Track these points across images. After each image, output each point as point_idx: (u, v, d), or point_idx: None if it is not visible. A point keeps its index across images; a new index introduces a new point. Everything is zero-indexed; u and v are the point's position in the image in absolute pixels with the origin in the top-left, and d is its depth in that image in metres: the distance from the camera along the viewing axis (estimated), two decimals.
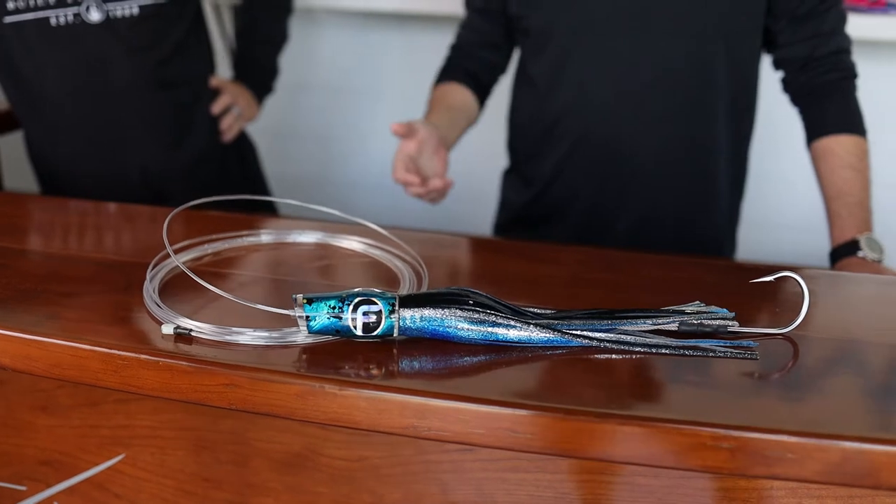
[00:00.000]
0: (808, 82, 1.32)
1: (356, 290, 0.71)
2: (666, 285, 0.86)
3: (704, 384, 0.69)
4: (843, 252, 1.23)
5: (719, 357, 0.72)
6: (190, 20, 1.52)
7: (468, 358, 0.71)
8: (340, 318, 0.70)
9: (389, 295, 0.71)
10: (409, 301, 0.70)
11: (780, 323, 0.77)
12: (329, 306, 0.70)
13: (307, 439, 0.84)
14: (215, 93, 1.58)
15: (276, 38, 1.72)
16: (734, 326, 0.75)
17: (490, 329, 0.71)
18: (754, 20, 1.31)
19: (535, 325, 0.71)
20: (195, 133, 1.55)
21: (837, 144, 1.28)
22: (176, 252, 0.85)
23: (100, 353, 0.70)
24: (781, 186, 2.06)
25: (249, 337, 0.72)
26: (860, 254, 1.21)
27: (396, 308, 0.70)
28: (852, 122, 1.28)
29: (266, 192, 1.72)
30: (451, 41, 1.50)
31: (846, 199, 1.26)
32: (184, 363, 0.69)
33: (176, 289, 0.82)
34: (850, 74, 1.30)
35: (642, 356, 0.72)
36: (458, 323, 0.71)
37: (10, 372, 0.85)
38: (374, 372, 0.68)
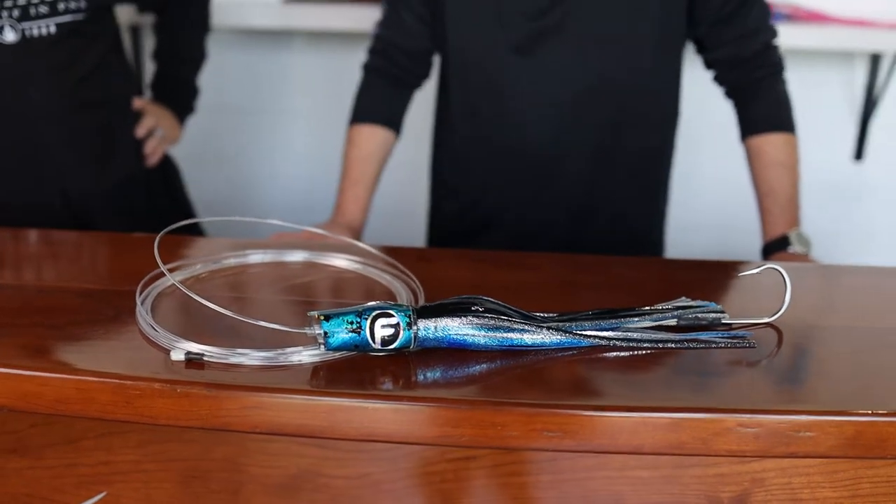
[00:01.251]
0: (737, 81, 1.39)
1: (372, 304, 0.70)
2: (645, 285, 0.89)
3: (712, 374, 0.72)
4: (775, 247, 1.31)
5: (720, 348, 0.75)
6: (109, 39, 1.48)
7: (486, 364, 0.72)
8: (359, 333, 0.69)
9: (406, 307, 0.71)
10: (426, 312, 0.71)
11: (761, 313, 0.82)
12: (347, 322, 0.69)
13: (305, 460, 0.83)
14: (137, 115, 1.54)
15: (196, 57, 1.69)
16: (726, 318, 0.79)
17: (505, 335, 0.72)
18: (679, 29, 1.37)
19: (548, 328, 0.73)
20: (119, 156, 1.50)
21: (767, 143, 1.36)
22: (153, 278, 0.82)
23: (110, 385, 0.67)
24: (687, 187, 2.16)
25: (261, 358, 0.70)
26: (790, 249, 1.28)
27: (414, 320, 0.70)
28: (781, 120, 1.36)
29: (193, 214, 1.68)
30: (369, 45, 1.47)
31: (777, 196, 1.34)
32: (202, 389, 0.67)
33: (166, 313, 0.79)
34: (777, 69, 1.37)
35: (649, 351, 0.74)
36: (474, 331, 0.71)
37: None
38: (397, 384, 0.68)
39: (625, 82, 1.37)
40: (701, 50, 1.41)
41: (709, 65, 1.42)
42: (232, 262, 0.90)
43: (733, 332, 0.77)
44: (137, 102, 1.54)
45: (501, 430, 0.66)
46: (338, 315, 0.70)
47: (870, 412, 0.65)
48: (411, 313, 0.70)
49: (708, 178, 2.21)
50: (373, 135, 1.42)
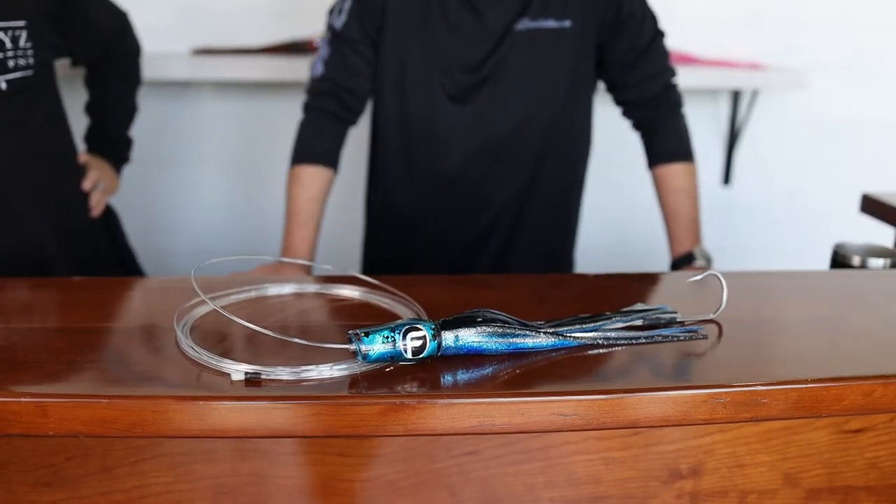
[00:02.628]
0: (642, 117, 1.59)
1: (403, 320, 0.83)
2: (604, 295, 1.05)
3: (678, 360, 0.89)
4: (682, 262, 1.51)
5: (680, 340, 0.92)
6: (54, 94, 1.53)
7: (498, 365, 0.85)
8: (394, 346, 0.81)
9: (431, 322, 0.83)
10: (447, 325, 0.84)
11: (701, 312, 0.99)
12: (383, 336, 0.81)
13: (326, 468, 0.93)
14: (80, 167, 1.59)
15: (129, 109, 1.75)
16: (679, 317, 0.96)
17: (512, 340, 0.86)
18: (589, 74, 1.56)
19: (544, 332, 0.87)
20: (68, 208, 1.55)
21: (669, 172, 1.56)
22: (183, 312, 0.91)
23: (186, 406, 0.76)
24: None
25: (308, 372, 0.81)
26: (695, 263, 1.49)
27: (438, 332, 0.83)
28: (681, 151, 1.56)
29: (135, 261, 1.73)
30: (311, 87, 1.57)
31: (680, 219, 1.54)
32: (269, 402, 0.77)
33: (201, 340, 0.88)
34: (677, 106, 1.58)
35: (625, 346, 0.90)
36: (486, 338, 0.85)
37: (15, 448, 0.86)
38: (432, 386, 0.81)
39: (545, 123, 1.54)
40: (610, 90, 1.61)
41: (618, 103, 1.61)
42: (248, 295, 0.99)
43: (687, 328, 0.94)
44: (82, 156, 1.59)
45: (527, 416, 0.79)
46: (375, 331, 0.81)
47: (808, 379, 0.83)
48: (436, 326, 0.83)
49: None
50: (319, 175, 1.53)
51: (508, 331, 0.86)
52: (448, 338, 0.83)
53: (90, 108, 1.72)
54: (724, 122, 2.51)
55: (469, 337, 0.84)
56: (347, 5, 1.53)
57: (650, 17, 1.55)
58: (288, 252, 1.50)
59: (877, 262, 1.20)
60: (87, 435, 0.77)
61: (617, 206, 2.39)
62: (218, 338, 0.90)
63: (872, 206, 1.61)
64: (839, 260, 1.22)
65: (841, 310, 1.07)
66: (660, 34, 1.57)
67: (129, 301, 1.03)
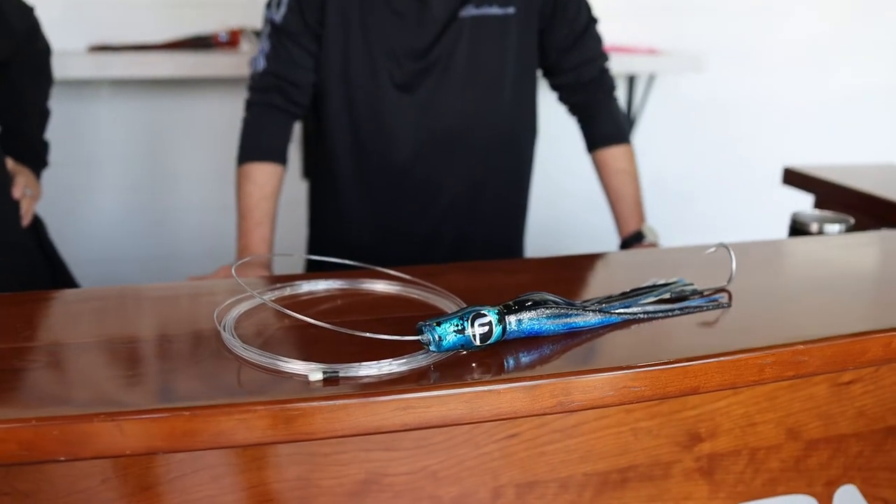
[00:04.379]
0: (578, 103, 1.64)
1: (469, 307, 0.83)
2: (613, 271, 1.09)
3: (712, 328, 0.94)
4: (631, 241, 1.58)
5: (708, 310, 0.97)
6: None
7: (554, 345, 0.87)
8: (463, 333, 0.82)
9: (494, 308, 0.84)
10: (510, 310, 0.85)
11: (708, 281, 1.05)
12: (454, 325, 0.81)
13: (370, 465, 0.92)
14: (7, 176, 1.48)
15: (44, 111, 1.65)
16: (697, 288, 1.01)
17: (567, 320, 0.88)
18: (533, 60, 1.60)
19: (592, 311, 0.90)
20: (3, 220, 1.44)
21: (610, 155, 1.62)
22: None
23: (270, 411, 0.73)
24: None
25: (383, 367, 0.80)
26: (645, 240, 1.56)
27: (503, 317, 0.84)
28: (618, 134, 1.63)
29: (67, 270, 1.63)
30: (254, 83, 1.53)
31: (624, 199, 1.61)
32: (355, 400, 0.75)
33: (247, 342, 0.85)
34: (611, 90, 1.65)
35: (663, 319, 0.94)
36: (544, 320, 0.87)
37: (45, 476, 0.81)
38: (503, 370, 0.82)
39: (493, 110, 1.57)
40: (547, 75, 1.65)
41: (554, 87, 1.66)
42: (282, 293, 0.97)
43: (711, 298, 0.99)
44: (9, 164, 1.48)
45: (601, 391, 0.82)
46: (446, 320, 0.81)
47: (839, 335, 0.90)
48: (500, 312, 0.84)
49: None
50: (270, 172, 1.49)
51: (562, 311, 0.88)
52: (511, 322, 0.84)
53: (2, 112, 1.60)
54: (621, 106, 2.62)
55: (529, 320, 0.86)
56: None
57: (584, 5, 1.61)
58: (247, 251, 1.46)
59: (833, 228, 1.30)
60: (167, 451, 0.73)
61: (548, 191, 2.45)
62: (256, 339, 0.87)
63: (793, 178, 1.73)
64: (798, 228, 1.31)
65: (828, 272, 1.16)
66: (594, 20, 1.62)
67: (154, 309, 0.97)
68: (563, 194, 2.39)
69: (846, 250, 1.24)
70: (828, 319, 0.98)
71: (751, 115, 2.64)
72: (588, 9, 1.60)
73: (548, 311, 0.86)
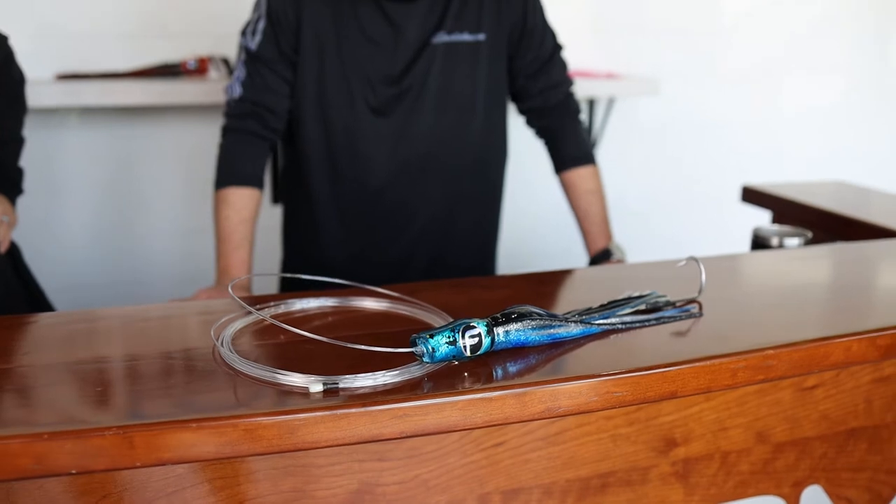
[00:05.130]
0: (545, 126, 1.70)
1: (459, 320, 0.87)
2: (591, 285, 1.14)
3: (686, 335, 0.99)
4: (600, 258, 1.63)
5: (682, 319, 1.02)
6: None
7: (540, 355, 0.91)
8: (455, 345, 0.86)
9: (483, 320, 0.88)
10: (497, 322, 0.89)
11: (679, 293, 1.11)
12: (446, 337, 0.85)
13: (363, 475, 0.95)
14: None
15: (17, 139, 1.66)
16: (670, 299, 1.06)
17: (551, 331, 0.93)
18: (503, 85, 1.66)
19: (573, 322, 0.95)
20: None
21: (577, 176, 1.68)
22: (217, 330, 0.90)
23: (275, 422, 0.76)
24: None
25: (381, 378, 0.84)
26: (613, 258, 1.62)
27: (492, 328, 0.88)
28: (584, 155, 1.69)
29: (44, 296, 1.63)
30: (230, 109, 1.56)
31: (592, 218, 1.67)
32: (355, 409, 0.79)
33: (248, 355, 0.88)
34: (576, 113, 1.71)
35: (640, 328, 0.99)
36: (530, 331, 0.91)
37: (45, 493, 0.83)
38: (494, 378, 0.86)
39: (465, 137, 1.62)
40: (515, 100, 1.71)
41: (521, 111, 1.72)
42: (276, 310, 1.00)
43: (683, 308, 1.05)
44: None
45: (586, 397, 0.86)
46: (438, 333, 0.85)
47: (805, 340, 0.96)
48: (488, 324, 0.88)
49: None
50: (248, 196, 1.52)
51: (546, 323, 0.92)
52: (500, 333, 0.89)
53: None
54: None
55: (516, 331, 0.90)
56: (261, 25, 1.54)
57: (550, 32, 1.67)
58: (227, 275, 1.48)
59: (792, 242, 1.37)
60: (176, 462, 0.76)
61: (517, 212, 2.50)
62: (255, 354, 0.91)
63: (751, 195, 1.81)
64: (759, 242, 1.38)
65: (791, 283, 1.22)
66: (559, 47, 1.69)
67: (148, 328, 1.00)
68: (532, 215, 2.44)
69: (806, 262, 1.30)
70: (793, 326, 1.03)
71: (707, 134, 2.73)
72: (553, 36, 1.67)
73: (533, 323, 0.91)
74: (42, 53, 2.17)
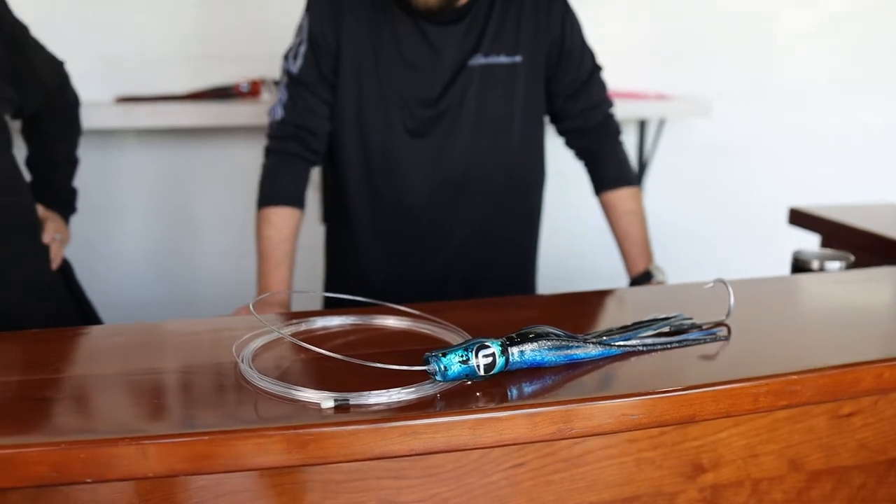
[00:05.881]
0: (585, 147, 1.70)
1: (473, 339, 0.88)
2: (619, 307, 1.13)
3: (710, 359, 0.97)
4: (640, 280, 1.61)
5: (706, 342, 1.01)
6: (11, 150, 1.49)
7: (556, 375, 0.91)
8: (468, 364, 0.86)
9: (498, 340, 0.89)
10: (512, 342, 0.89)
11: (706, 317, 1.09)
12: (459, 356, 0.86)
13: (382, 492, 0.96)
14: (38, 222, 1.55)
15: (72, 160, 1.72)
16: (697, 322, 1.05)
17: (567, 351, 0.92)
18: (540, 106, 1.66)
19: (592, 343, 0.94)
20: (31, 265, 1.50)
21: (617, 197, 1.67)
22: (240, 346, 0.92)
23: (285, 436, 0.78)
24: None
25: (394, 396, 0.84)
26: (654, 280, 1.60)
27: (506, 348, 0.88)
28: (625, 176, 1.68)
29: (95, 313, 1.69)
30: (272, 131, 1.60)
31: (632, 239, 1.65)
32: (364, 426, 0.80)
33: (263, 373, 0.90)
34: (616, 134, 1.70)
35: (662, 351, 0.98)
36: (546, 352, 0.91)
37: (72, 502, 0.85)
38: (507, 398, 0.86)
39: (502, 157, 1.63)
40: (554, 121, 1.71)
41: (561, 133, 1.72)
42: (297, 328, 1.02)
43: (709, 331, 1.03)
44: (39, 210, 1.55)
45: (599, 419, 0.85)
46: (451, 351, 0.86)
47: (831, 366, 0.93)
48: (503, 344, 0.88)
49: None
50: (288, 216, 1.55)
51: (563, 343, 0.92)
52: (514, 353, 0.89)
53: (33, 162, 1.68)
54: (633, 151, 2.67)
55: (531, 351, 0.90)
56: (303, 49, 1.57)
57: (588, 52, 1.67)
58: (267, 292, 1.51)
59: (833, 265, 1.34)
60: (188, 473, 0.78)
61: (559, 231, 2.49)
62: (275, 370, 0.92)
63: (799, 218, 1.77)
64: (799, 265, 1.35)
65: (825, 307, 1.19)
66: (598, 68, 1.69)
67: (177, 343, 1.03)
68: (578, 236, 2.43)
69: (846, 286, 1.27)
70: (822, 351, 1.01)
71: (759, 156, 2.69)
72: (592, 56, 1.66)
73: (549, 343, 0.91)
74: (104, 78, 2.26)
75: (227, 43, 2.32)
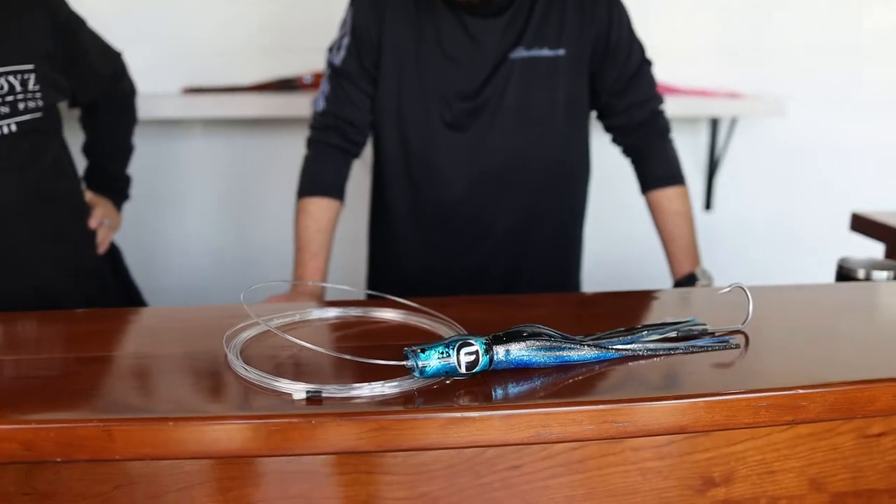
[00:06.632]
0: (631, 144, 1.64)
1: (456, 336, 0.85)
2: (634, 309, 1.09)
3: (714, 368, 0.92)
4: (685, 283, 1.55)
5: (714, 350, 0.96)
6: (60, 136, 1.54)
7: (546, 377, 0.88)
8: (448, 361, 0.84)
9: (482, 337, 0.86)
10: (498, 340, 0.86)
11: (727, 323, 1.03)
12: (438, 352, 0.83)
13: (371, 487, 0.94)
14: (86, 206, 1.59)
15: (127, 148, 1.77)
16: (709, 328, 0.99)
17: (559, 353, 0.89)
18: (583, 102, 1.61)
19: (588, 345, 0.90)
20: (76, 246, 1.55)
21: (664, 197, 1.61)
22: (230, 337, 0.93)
23: (253, 425, 0.77)
24: None
25: (368, 390, 0.83)
26: (698, 283, 1.53)
27: (491, 347, 0.85)
28: (672, 175, 1.62)
29: (140, 297, 1.73)
30: (314, 122, 1.60)
31: (678, 242, 1.59)
32: (333, 419, 0.78)
33: (251, 362, 0.90)
34: (664, 132, 1.64)
35: (663, 357, 0.93)
36: (535, 352, 0.87)
37: (62, 479, 0.86)
38: (487, 398, 0.83)
39: (543, 151, 1.59)
40: (600, 117, 1.66)
41: (607, 129, 1.66)
42: (292, 319, 1.01)
43: (719, 338, 0.98)
44: (88, 196, 1.60)
45: (581, 425, 0.82)
46: (431, 347, 0.84)
47: (844, 382, 0.87)
48: (488, 342, 0.86)
49: None
50: (326, 206, 1.55)
51: (555, 344, 0.88)
52: (499, 352, 0.86)
53: (89, 149, 1.73)
54: (704, 149, 2.58)
55: (518, 351, 0.87)
56: (346, 42, 1.57)
57: (637, 46, 1.61)
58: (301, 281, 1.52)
59: (880, 275, 1.25)
60: (154, 458, 0.78)
61: (613, 231, 2.44)
62: (267, 361, 0.92)
63: (862, 224, 1.67)
64: (844, 273, 1.27)
65: (857, 318, 1.11)
66: (647, 62, 1.63)
67: (174, 329, 1.04)
68: (633, 238, 2.36)
69: (888, 298, 1.19)
70: (840, 366, 0.94)
71: (837, 160, 2.56)
72: (641, 51, 1.61)
73: (538, 344, 0.87)
74: (170, 69, 2.31)
75: (292, 35, 2.34)
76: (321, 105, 1.59)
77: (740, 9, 2.47)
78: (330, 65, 1.60)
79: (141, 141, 2.35)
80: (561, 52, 1.54)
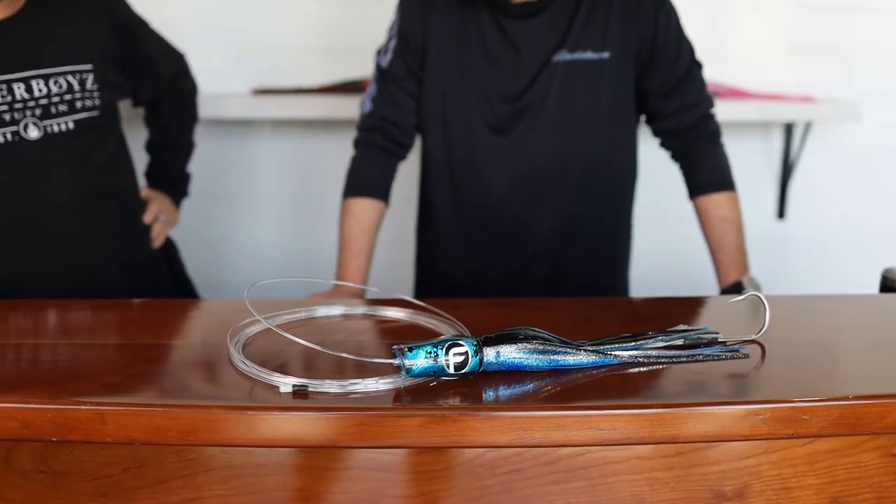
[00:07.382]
0: (680, 147, 1.60)
1: (446, 336, 0.85)
2: (647, 317, 1.06)
3: (719, 378, 0.89)
4: (730, 292, 1.50)
5: (720, 360, 0.93)
6: (118, 134, 1.60)
7: (539, 381, 0.87)
8: (436, 361, 0.84)
9: (473, 338, 0.86)
10: (489, 341, 0.86)
11: (746, 333, 1.00)
12: (426, 352, 0.83)
13: (372, 484, 0.94)
14: (142, 202, 1.65)
15: (187, 146, 1.83)
16: (721, 337, 0.96)
17: (552, 357, 0.87)
18: (629, 105, 1.58)
19: (585, 350, 0.89)
20: (130, 241, 1.61)
21: (712, 203, 1.56)
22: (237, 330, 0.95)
23: (235, 415, 0.79)
24: None
25: (349, 386, 0.83)
26: (744, 292, 1.48)
27: (480, 348, 0.85)
28: (722, 180, 1.57)
29: (194, 291, 1.79)
30: (361, 123, 1.62)
31: (726, 248, 1.54)
32: (315, 413, 0.79)
33: (252, 356, 0.92)
34: (714, 136, 1.59)
35: (665, 365, 0.91)
36: (527, 355, 0.87)
37: (74, 459, 0.90)
38: (473, 400, 0.83)
39: (586, 155, 1.56)
40: (648, 121, 1.63)
41: (655, 133, 1.63)
42: (298, 315, 1.03)
43: (727, 347, 0.95)
44: (144, 191, 1.66)
45: (565, 431, 0.80)
46: (418, 346, 0.84)
47: (849, 396, 0.83)
48: (478, 343, 0.85)
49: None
50: (370, 207, 1.57)
51: (549, 348, 0.87)
52: (489, 354, 0.85)
53: (150, 146, 1.80)
54: (777, 155, 2.50)
55: (510, 353, 0.86)
56: (392, 44, 1.59)
57: (686, 49, 1.57)
58: (343, 280, 1.54)
59: None
60: (143, 442, 0.81)
61: (670, 236, 2.38)
62: (269, 355, 0.94)
63: None
64: (888, 284, 1.21)
65: (885, 332, 1.06)
66: (696, 65, 1.58)
67: (186, 321, 1.07)
68: (697, 243, 2.31)
69: None
70: (853, 380, 0.90)
71: None
72: (690, 53, 1.57)
73: (531, 347, 0.86)
74: (241, 71, 2.38)
75: (357, 38, 2.37)
76: (367, 107, 1.61)
77: (814, 8, 2.38)
78: (377, 67, 1.62)
79: (211, 140, 2.44)
80: (605, 55, 1.51)
